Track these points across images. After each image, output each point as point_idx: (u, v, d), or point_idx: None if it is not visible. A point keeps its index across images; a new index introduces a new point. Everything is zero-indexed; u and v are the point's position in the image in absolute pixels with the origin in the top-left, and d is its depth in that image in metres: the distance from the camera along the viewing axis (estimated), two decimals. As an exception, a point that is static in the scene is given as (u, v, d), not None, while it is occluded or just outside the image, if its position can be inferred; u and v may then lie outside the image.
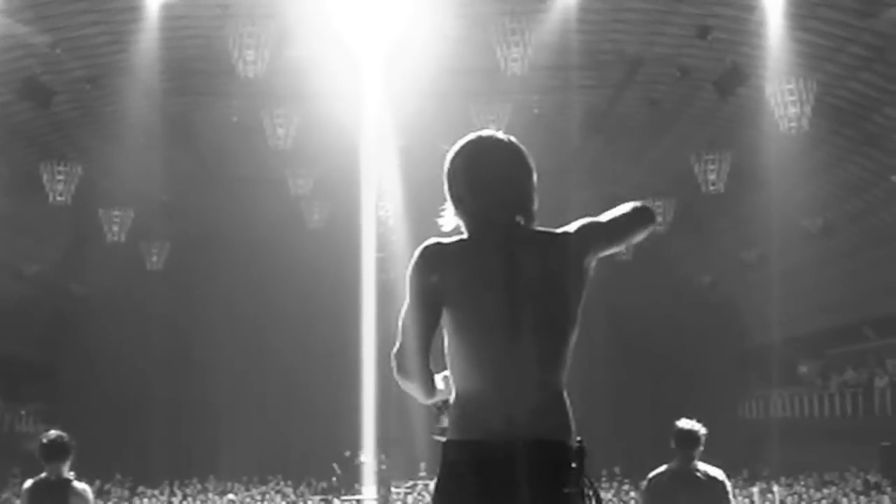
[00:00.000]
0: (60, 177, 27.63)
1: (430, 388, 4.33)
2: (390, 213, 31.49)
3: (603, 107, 28.31)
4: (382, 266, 31.52)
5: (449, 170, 4.41)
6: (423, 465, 33.61)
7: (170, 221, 33.51)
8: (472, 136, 4.46)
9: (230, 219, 35.35)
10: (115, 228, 31.13)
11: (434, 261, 4.17)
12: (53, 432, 9.67)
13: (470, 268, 4.15)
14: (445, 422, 4.28)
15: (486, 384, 4.07)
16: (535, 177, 4.39)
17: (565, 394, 4.16)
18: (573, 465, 4.06)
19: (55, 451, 9.45)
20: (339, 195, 30.75)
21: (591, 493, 4.12)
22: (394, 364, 4.27)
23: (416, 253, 4.23)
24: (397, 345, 4.26)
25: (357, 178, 29.46)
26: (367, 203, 30.53)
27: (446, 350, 4.19)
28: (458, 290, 4.13)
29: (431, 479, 32.14)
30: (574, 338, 4.18)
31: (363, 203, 30.44)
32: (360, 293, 32.52)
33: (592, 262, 4.28)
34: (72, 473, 9.51)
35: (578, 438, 4.15)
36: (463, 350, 4.13)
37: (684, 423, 9.71)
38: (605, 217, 4.46)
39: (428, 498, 27.93)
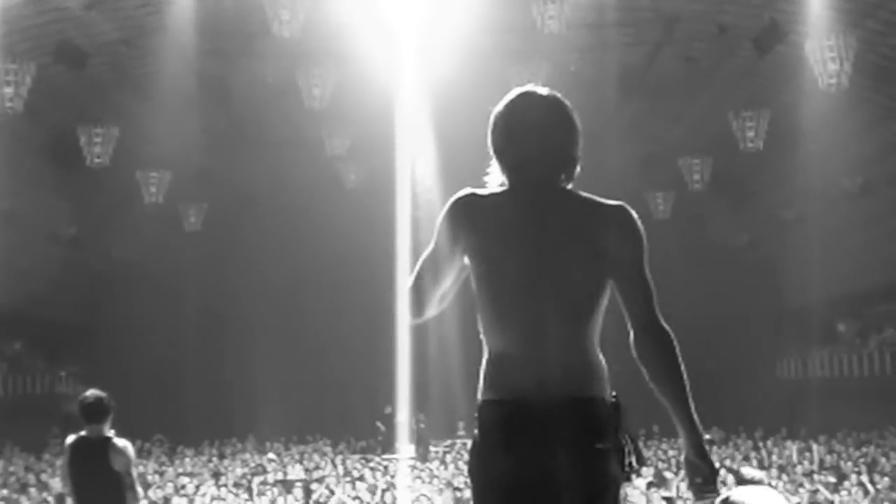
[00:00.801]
0: (97, 139, 27.70)
1: (420, 310, 4.44)
2: (426, 174, 31.44)
3: (640, 65, 28.10)
4: (418, 227, 31.50)
5: (492, 124, 4.40)
6: (461, 425, 33.70)
7: (207, 183, 33.57)
8: (516, 91, 4.43)
9: (266, 180, 35.36)
10: (153, 190, 31.21)
11: (463, 211, 4.20)
12: (93, 392, 9.71)
13: (497, 221, 4.14)
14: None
15: (513, 342, 4.07)
16: (578, 136, 4.33)
17: (597, 351, 4.13)
18: (606, 420, 4.04)
19: (95, 411, 9.50)
20: (376, 156, 30.69)
21: (630, 448, 4.10)
22: (406, 302, 4.44)
23: (450, 201, 4.23)
24: (409, 284, 4.45)
25: (393, 139, 29.39)
26: (403, 164, 30.49)
27: (477, 309, 4.19)
28: (483, 243, 4.13)
29: (470, 437, 32.29)
30: (602, 299, 4.13)
31: (399, 164, 30.40)
32: (395, 254, 32.55)
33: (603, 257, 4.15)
34: (112, 431, 9.55)
35: (614, 394, 4.12)
36: (488, 307, 4.14)
37: (747, 473, 9.48)
38: (639, 284, 4.17)
39: (466, 457, 27.98)
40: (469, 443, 4.33)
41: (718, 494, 4.95)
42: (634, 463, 4.15)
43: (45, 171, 30.22)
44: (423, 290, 4.40)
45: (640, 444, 4.19)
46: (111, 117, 28.04)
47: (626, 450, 4.10)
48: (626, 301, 4.14)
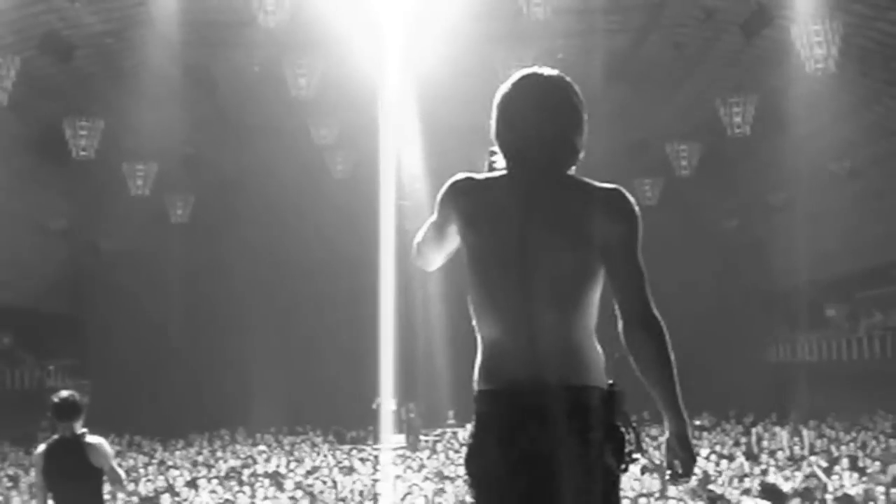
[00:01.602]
0: (83, 132, 27.62)
1: (425, 266, 4.67)
2: (412, 162, 31.43)
3: (627, 50, 28.07)
4: (404, 214, 31.48)
5: (493, 107, 4.36)
6: (451, 413, 33.71)
7: (193, 174, 33.49)
8: (519, 73, 4.40)
9: (253, 169, 35.29)
10: (139, 182, 31.12)
11: (457, 193, 4.20)
12: (65, 392, 9.76)
13: (488, 207, 4.12)
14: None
15: (503, 331, 4.05)
16: (580, 121, 4.29)
17: (592, 339, 4.09)
18: (600, 409, 4.00)
19: (67, 410, 9.50)
20: (362, 145, 30.64)
21: (630, 436, 4.07)
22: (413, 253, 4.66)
23: (446, 184, 4.20)
24: (414, 244, 4.62)
25: (379, 128, 29.37)
26: (389, 152, 30.46)
27: (469, 298, 4.16)
28: (473, 229, 4.11)
29: (460, 426, 32.36)
30: (595, 286, 4.09)
31: (385, 152, 30.37)
32: (385, 240, 32.53)
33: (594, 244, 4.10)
34: (84, 430, 9.54)
35: (611, 382, 4.09)
36: (478, 295, 4.13)
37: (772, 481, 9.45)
38: (630, 270, 4.12)
39: (456, 445, 28.04)
40: (460, 431, 4.33)
41: (689, 482, 4.96)
42: (633, 452, 4.12)
43: (32, 164, 30.14)
44: (424, 253, 4.57)
45: (640, 433, 4.16)
46: (97, 109, 27.95)
47: (625, 439, 4.07)
48: (616, 287, 4.09)
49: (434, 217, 4.36)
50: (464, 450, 4.21)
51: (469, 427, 4.24)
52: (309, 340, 37.61)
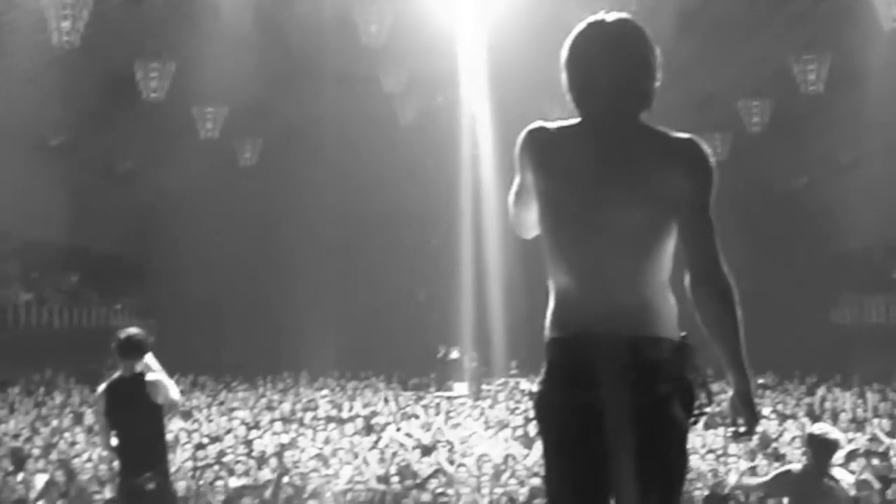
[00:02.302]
0: (154, 74, 27.73)
1: (524, 235, 4.55)
2: (482, 110, 31.32)
3: (698, 4, 27.76)
4: (474, 163, 31.45)
5: (563, 53, 4.32)
6: (514, 363, 33.68)
7: (262, 118, 33.54)
8: (586, 20, 4.36)
9: (322, 116, 35.25)
10: (209, 125, 31.24)
11: (531, 142, 4.17)
12: (130, 329, 9.75)
13: (561, 156, 4.07)
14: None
15: (574, 280, 4.02)
16: (651, 66, 4.22)
17: (664, 289, 4.05)
18: (670, 361, 3.97)
19: (130, 348, 9.53)
20: (432, 92, 30.56)
21: (699, 390, 4.04)
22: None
23: (522, 133, 4.16)
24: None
25: (449, 76, 29.28)
26: (460, 100, 30.39)
27: (542, 246, 4.15)
28: (546, 178, 4.08)
29: (523, 376, 32.35)
30: (668, 237, 4.04)
31: (455, 100, 30.30)
32: (451, 190, 32.51)
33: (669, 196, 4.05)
34: (145, 368, 9.57)
35: (683, 334, 4.05)
36: (551, 244, 4.10)
37: (818, 430, 9.32)
38: (701, 224, 4.08)
39: (519, 395, 28.05)
40: (523, 381, 4.33)
41: (751, 440, 4.94)
42: (704, 406, 4.09)
43: (101, 105, 30.28)
44: (517, 222, 4.50)
45: (710, 386, 4.12)
46: (168, 52, 28.02)
47: (695, 392, 4.04)
48: (685, 240, 4.04)
49: (518, 175, 4.32)
50: (534, 396, 4.20)
51: (540, 373, 4.21)
52: (374, 287, 37.69)
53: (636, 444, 3.90)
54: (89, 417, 22.47)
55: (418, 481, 14.94)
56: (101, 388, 9.76)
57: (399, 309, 37.16)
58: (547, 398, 4.10)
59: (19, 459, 16.58)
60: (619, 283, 3.96)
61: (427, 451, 18.20)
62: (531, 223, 4.33)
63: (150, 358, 9.72)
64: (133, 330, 9.77)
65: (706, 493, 13.35)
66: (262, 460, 17.24)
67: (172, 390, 9.65)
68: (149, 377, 9.46)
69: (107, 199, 35.43)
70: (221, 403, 26.69)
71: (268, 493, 14.07)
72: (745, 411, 4.06)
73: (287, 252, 38.43)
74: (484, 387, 31.32)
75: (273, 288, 37.95)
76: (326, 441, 19.78)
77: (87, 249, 36.46)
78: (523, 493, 13.92)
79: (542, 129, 4.17)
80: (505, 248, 31.72)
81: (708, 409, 4.09)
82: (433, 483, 14.48)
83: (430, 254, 36.03)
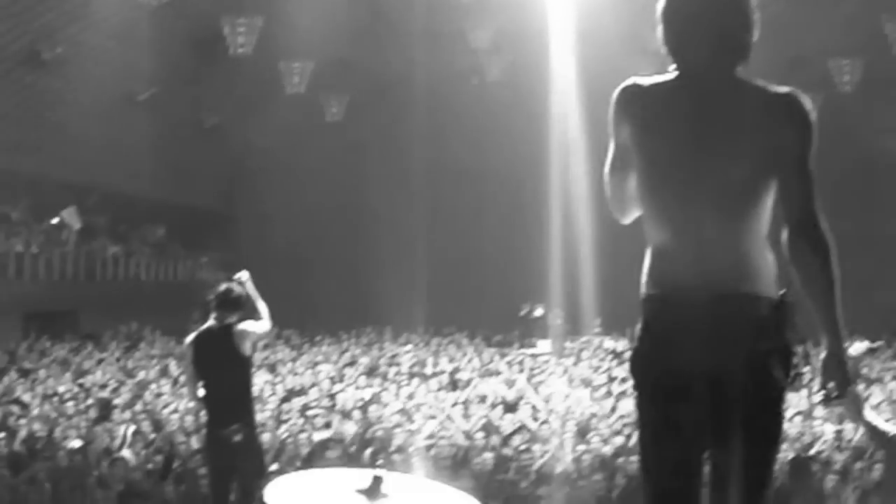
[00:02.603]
0: (241, 28, 27.83)
1: (621, 213, 4.34)
2: (570, 66, 31.13)
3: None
4: (562, 120, 31.27)
5: (658, 5, 4.21)
6: (597, 322, 33.54)
7: (349, 74, 33.56)
8: None
9: (408, 71, 35.21)
10: (295, 80, 31.34)
11: (625, 101, 4.06)
12: (230, 284, 9.79)
13: (657, 111, 3.97)
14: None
15: (672, 236, 3.93)
16: (748, 17, 4.11)
17: (763, 247, 3.95)
18: (770, 319, 3.89)
19: (228, 302, 9.55)
20: (519, 48, 30.40)
21: (797, 350, 3.95)
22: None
23: (616, 91, 4.08)
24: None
25: (537, 31, 29.11)
26: (547, 56, 30.21)
27: (638, 202, 4.07)
28: (643, 134, 3.98)
29: (606, 334, 32.23)
30: (767, 194, 3.93)
31: (543, 56, 30.12)
32: (539, 147, 32.36)
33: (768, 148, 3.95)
34: (234, 320, 9.60)
35: (783, 292, 3.96)
36: (648, 200, 4.00)
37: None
38: (800, 179, 3.97)
39: (602, 354, 27.95)
40: (606, 340, 4.25)
41: (841, 404, 4.80)
42: (801, 366, 4.00)
43: (189, 60, 30.47)
44: (616, 197, 4.30)
45: (808, 346, 4.03)
46: (255, 7, 28.09)
47: (793, 352, 3.95)
48: (784, 195, 3.93)
49: (613, 138, 4.19)
50: (631, 353, 4.13)
51: (636, 330, 4.14)
52: (458, 243, 37.63)
53: (733, 403, 3.83)
54: (174, 369, 22.69)
55: (502, 437, 14.91)
56: (190, 338, 9.81)
57: (484, 265, 37.13)
58: (642, 355, 4.03)
59: (106, 409, 16.77)
60: (718, 239, 3.87)
61: (510, 407, 18.16)
62: (629, 195, 4.21)
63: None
64: (233, 285, 9.82)
65: (790, 455, 13.21)
66: (345, 414, 17.29)
67: (260, 325, 9.73)
68: (236, 327, 9.50)
69: (194, 153, 35.69)
70: (305, 356, 26.84)
71: (353, 447, 14.10)
72: (837, 374, 3.95)
73: (374, 207, 38.52)
74: (567, 344, 31.22)
75: (359, 243, 38.04)
76: (410, 396, 19.79)
77: (174, 203, 36.79)
78: (607, 450, 13.86)
79: (637, 85, 4.07)
80: (591, 206, 31.55)
81: (804, 371, 4.00)
82: (516, 440, 14.45)
83: (516, 210, 35.93)
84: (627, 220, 4.33)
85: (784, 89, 3.96)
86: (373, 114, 36.73)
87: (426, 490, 3.98)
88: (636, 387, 4.13)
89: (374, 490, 3.69)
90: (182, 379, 20.57)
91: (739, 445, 3.87)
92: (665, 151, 3.93)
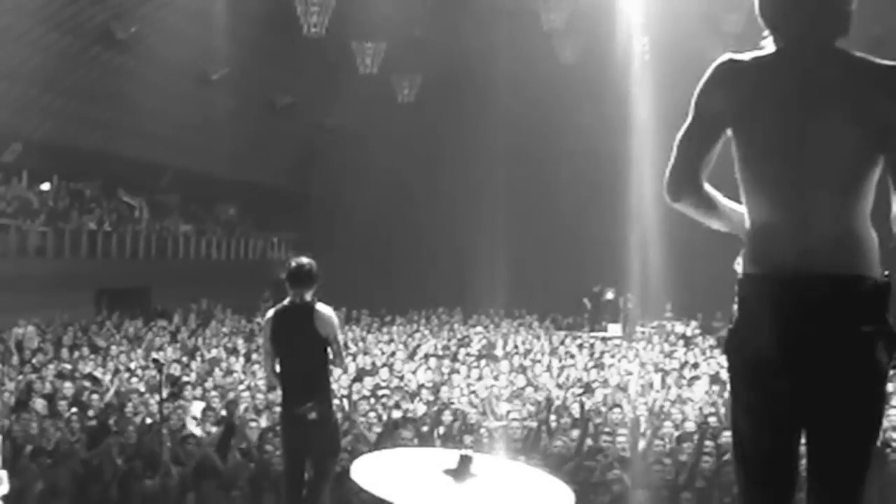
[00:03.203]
0: (315, 8, 27.80)
1: (708, 208, 4.06)
2: (645, 47, 30.94)
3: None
4: (635, 102, 31.10)
5: None
6: (668, 306, 33.36)
7: (421, 55, 33.52)
8: None
9: (481, 53, 35.11)
10: (368, 61, 31.34)
11: (723, 77, 3.89)
12: (303, 258, 9.70)
13: (758, 85, 3.83)
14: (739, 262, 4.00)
15: (773, 213, 3.79)
16: None
17: (867, 225, 3.81)
18: (873, 301, 3.77)
19: (302, 277, 9.47)
20: (593, 29, 30.22)
21: None
22: (664, 188, 4.04)
23: (710, 67, 3.95)
24: (668, 167, 4.02)
25: (611, 12, 28.93)
26: (622, 37, 30.03)
27: (738, 178, 3.94)
28: (743, 108, 3.84)
29: (677, 319, 32.07)
30: (873, 169, 3.79)
31: (618, 37, 29.94)
32: (612, 130, 32.20)
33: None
34: (315, 298, 9.54)
35: (886, 273, 3.83)
36: (748, 176, 3.87)
37: None
38: None
39: (674, 339, 27.82)
40: (678, 325, 4.09)
41: None
42: None
43: (262, 39, 30.55)
44: (681, 168, 4.02)
45: None
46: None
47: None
48: (892, 170, 3.80)
49: (692, 115, 3.99)
50: (728, 333, 4.01)
51: (733, 311, 4.02)
52: (531, 225, 37.52)
53: (833, 387, 3.73)
54: (243, 347, 22.81)
55: (573, 420, 14.85)
56: (270, 313, 9.75)
57: (556, 249, 37.00)
58: (740, 336, 3.90)
59: (177, 386, 16.86)
60: (820, 216, 3.73)
61: (583, 391, 18.10)
62: (696, 168, 3.96)
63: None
64: (304, 259, 9.73)
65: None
66: (416, 394, 17.31)
67: (339, 329, 9.64)
68: (318, 307, 9.44)
69: (266, 133, 35.83)
70: (374, 333, 26.95)
71: (425, 427, 14.09)
72: None
73: (445, 189, 38.50)
74: (638, 328, 31.10)
75: (430, 225, 38.03)
76: (480, 377, 19.79)
77: (246, 182, 36.98)
78: (676, 435, 13.76)
79: (734, 60, 3.93)
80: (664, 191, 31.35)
81: None
82: (589, 424, 14.37)
83: (590, 194, 35.79)
84: (679, 199, 4.04)
85: (891, 63, 3.82)
86: (445, 95, 36.67)
87: (515, 472, 3.91)
88: (730, 369, 4.03)
89: (462, 470, 3.64)
90: (253, 357, 20.71)
91: (838, 431, 3.77)
92: (766, 126, 3.81)
